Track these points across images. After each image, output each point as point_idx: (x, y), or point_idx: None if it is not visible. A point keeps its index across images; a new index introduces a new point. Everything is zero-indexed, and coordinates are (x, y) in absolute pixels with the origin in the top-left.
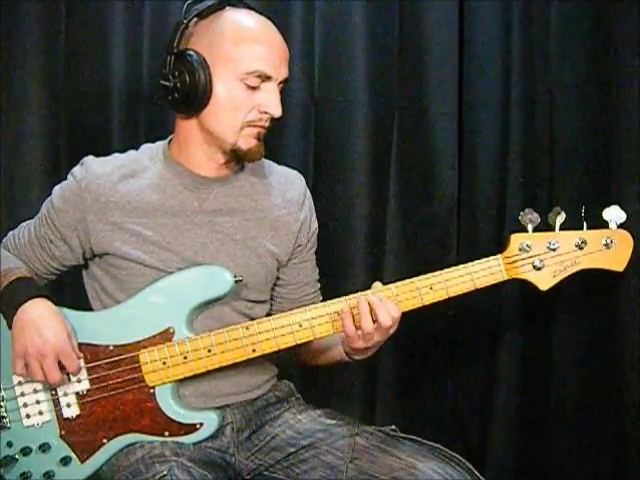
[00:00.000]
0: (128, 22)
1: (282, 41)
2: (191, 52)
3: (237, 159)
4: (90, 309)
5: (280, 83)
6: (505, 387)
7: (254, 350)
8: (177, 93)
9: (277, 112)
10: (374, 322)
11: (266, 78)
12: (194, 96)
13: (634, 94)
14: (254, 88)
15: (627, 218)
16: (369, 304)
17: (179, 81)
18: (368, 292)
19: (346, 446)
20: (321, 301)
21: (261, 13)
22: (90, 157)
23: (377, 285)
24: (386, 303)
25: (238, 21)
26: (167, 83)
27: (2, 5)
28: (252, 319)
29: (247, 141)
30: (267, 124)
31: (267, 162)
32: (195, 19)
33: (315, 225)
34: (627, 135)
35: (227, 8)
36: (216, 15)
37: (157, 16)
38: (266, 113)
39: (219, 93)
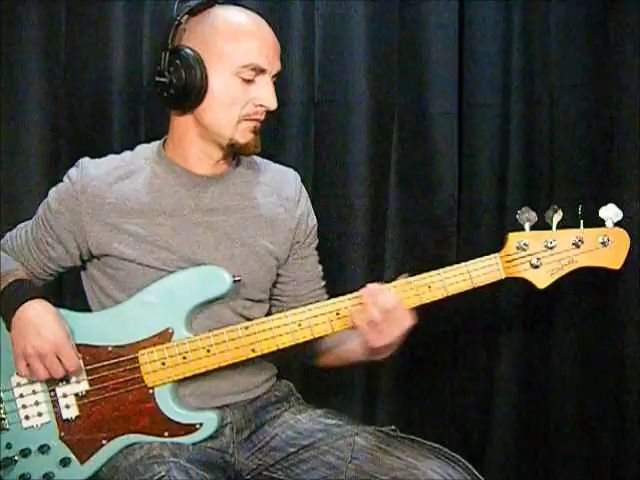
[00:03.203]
0: (128, 22)
1: (273, 35)
2: (186, 48)
3: (234, 153)
4: (90, 310)
5: (274, 77)
6: (505, 387)
7: (253, 350)
8: (173, 89)
9: (272, 105)
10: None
11: (260, 71)
12: (190, 92)
13: (634, 94)
14: (249, 82)
15: (624, 217)
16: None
17: (175, 77)
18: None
19: (346, 446)
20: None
21: (255, 12)
22: (85, 159)
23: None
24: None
25: (230, 17)
26: (163, 79)
27: (2, 5)
28: (251, 319)
29: (244, 135)
30: (263, 117)
31: (262, 160)
32: (186, 16)
33: (314, 221)
34: (627, 135)
35: (216, 6)
36: (207, 12)
37: (157, 16)
38: (262, 106)
39: (215, 88)
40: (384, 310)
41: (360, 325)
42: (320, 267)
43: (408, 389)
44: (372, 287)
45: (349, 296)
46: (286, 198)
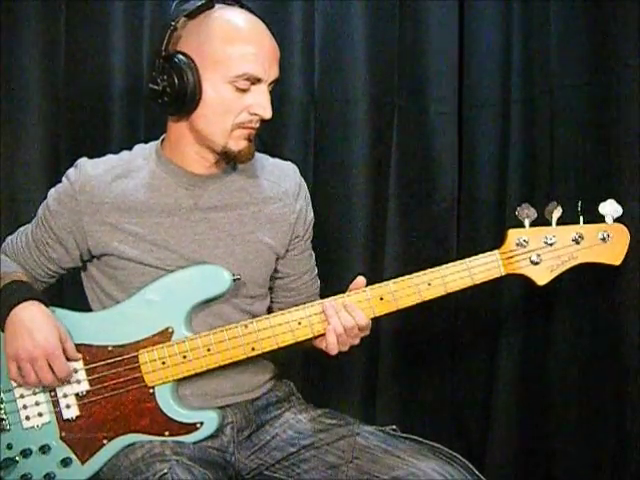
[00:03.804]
0: (128, 22)
1: (272, 41)
2: (179, 55)
3: (228, 160)
4: (90, 310)
5: (271, 84)
6: (505, 387)
7: (253, 348)
8: (166, 96)
9: (267, 114)
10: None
11: (256, 80)
12: (183, 99)
13: (634, 94)
14: (244, 90)
15: (624, 215)
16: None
17: (167, 84)
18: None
19: (346, 446)
20: (319, 295)
21: (255, 13)
22: (84, 159)
23: (359, 280)
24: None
25: (227, 21)
26: (155, 87)
27: (2, 5)
28: (252, 315)
29: (237, 142)
30: (257, 125)
31: (260, 155)
32: (184, 19)
33: (311, 215)
34: (627, 135)
35: (217, 7)
36: (205, 15)
37: (157, 16)
38: (256, 115)
39: (208, 96)
40: (347, 327)
41: (338, 329)
42: (314, 258)
43: (408, 388)
44: (332, 303)
45: (346, 294)
46: (285, 192)
